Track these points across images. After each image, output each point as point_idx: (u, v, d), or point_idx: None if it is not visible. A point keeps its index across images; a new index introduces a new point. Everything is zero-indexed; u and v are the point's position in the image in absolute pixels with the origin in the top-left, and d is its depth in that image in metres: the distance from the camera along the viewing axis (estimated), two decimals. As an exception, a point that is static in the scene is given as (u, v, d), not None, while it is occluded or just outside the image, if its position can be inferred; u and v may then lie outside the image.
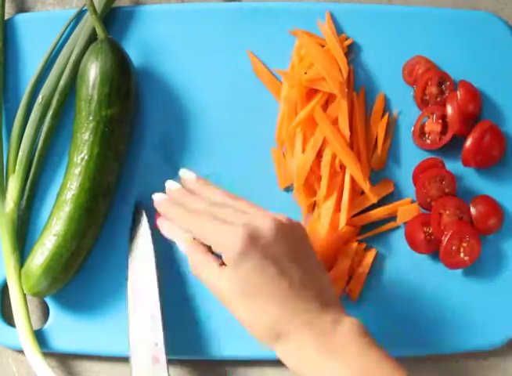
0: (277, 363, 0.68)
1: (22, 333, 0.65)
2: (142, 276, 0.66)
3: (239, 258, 0.55)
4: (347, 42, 0.70)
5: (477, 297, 0.68)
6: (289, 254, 0.56)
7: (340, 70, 0.68)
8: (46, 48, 0.70)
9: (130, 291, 0.66)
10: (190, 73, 0.71)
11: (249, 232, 0.55)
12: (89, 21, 0.69)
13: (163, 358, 0.64)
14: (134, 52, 0.70)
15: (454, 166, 0.69)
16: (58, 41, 0.71)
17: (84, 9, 0.71)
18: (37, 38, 0.71)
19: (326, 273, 0.60)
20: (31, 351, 0.65)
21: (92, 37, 0.69)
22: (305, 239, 0.59)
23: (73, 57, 0.69)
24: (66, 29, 0.71)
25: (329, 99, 0.68)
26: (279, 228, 0.57)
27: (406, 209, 0.68)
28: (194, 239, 0.60)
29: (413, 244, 0.68)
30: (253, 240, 0.55)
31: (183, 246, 0.61)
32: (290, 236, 0.57)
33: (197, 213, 0.59)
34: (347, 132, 0.67)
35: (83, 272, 0.67)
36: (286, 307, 0.55)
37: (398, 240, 0.68)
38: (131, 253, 0.67)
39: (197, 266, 0.59)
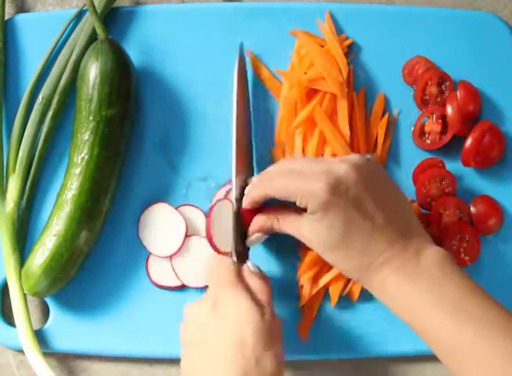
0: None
1: (22, 333, 0.65)
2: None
3: (324, 208, 0.57)
4: (347, 42, 0.70)
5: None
6: (369, 195, 0.58)
7: (340, 70, 0.68)
8: (46, 48, 0.70)
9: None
10: (190, 73, 0.71)
11: (329, 180, 0.57)
12: (89, 21, 0.69)
13: None
14: (134, 52, 0.70)
15: (454, 166, 0.69)
16: (58, 41, 0.71)
17: (84, 9, 0.71)
18: (37, 38, 0.71)
19: (408, 203, 0.61)
20: (31, 351, 0.65)
21: (92, 38, 0.69)
22: (383, 174, 0.60)
23: (73, 57, 0.69)
24: (66, 29, 0.71)
25: (329, 99, 0.68)
26: (356, 171, 0.58)
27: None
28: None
29: (413, 244, 0.68)
30: (333, 188, 0.57)
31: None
32: (367, 175, 0.59)
33: (278, 175, 0.61)
34: (347, 132, 0.67)
35: (83, 273, 0.67)
36: (371, 249, 0.57)
37: (398, 240, 0.68)
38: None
39: (286, 220, 0.61)
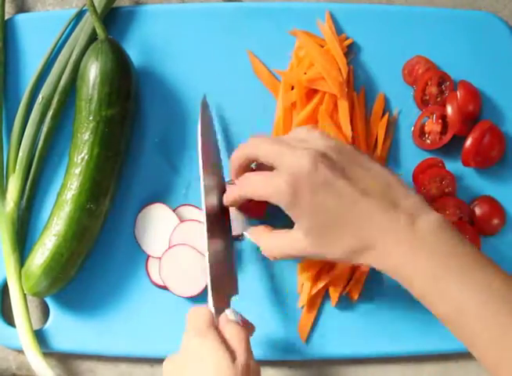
0: (278, 363, 0.68)
1: (22, 333, 0.65)
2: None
3: (296, 203, 0.57)
4: (347, 42, 0.70)
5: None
6: (339, 176, 0.57)
7: (339, 70, 0.68)
8: (46, 48, 0.70)
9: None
10: (190, 73, 0.71)
11: (287, 178, 0.57)
12: (89, 21, 0.69)
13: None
14: (134, 52, 0.70)
15: (454, 166, 0.69)
16: (58, 41, 0.71)
17: (84, 9, 0.71)
18: (37, 38, 0.71)
19: (390, 170, 0.60)
20: (31, 351, 0.65)
21: (92, 37, 0.69)
22: (357, 154, 0.59)
23: (73, 57, 0.69)
24: (66, 29, 0.71)
25: (329, 100, 0.68)
26: (320, 158, 0.57)
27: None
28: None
29: (413, 244, 0.68)
30: (294, 184, 0.57)
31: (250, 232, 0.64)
32: (337, 159, 0.58)
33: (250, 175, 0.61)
34: (348, 132, 0.67)
35: (83, 273, 0.67)
36: (358, 224, 0.56)
37: (398, 240, 0.68)
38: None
39: (271, 242, 0.61)
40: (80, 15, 0.71)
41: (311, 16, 0.71)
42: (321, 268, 0.67)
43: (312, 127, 0.64)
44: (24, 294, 0.66)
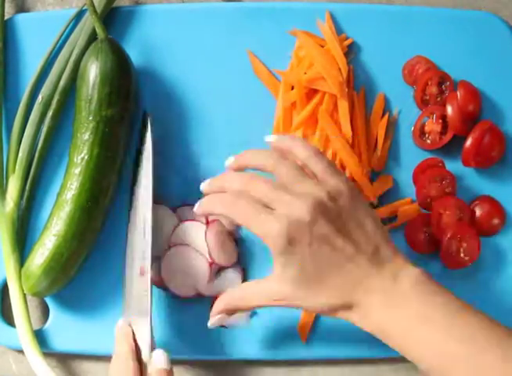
0: (278, 363, 0.68)
1: (22, 333, 0.65)
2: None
3: (288, 251, 0.56)
4: (346, 42, 0.70)
5: (477, 297, 0.68)
6: (335, 230, 0.57)
7: (339, 69, 0.68)
8: (46, 48, 0.70)
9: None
10: (190, 73, 0.71)
11: (286, 225, 0.56)
12: (89, 21, 0.69)
13: (148, 268, 0.64)
14: (134, 52, 0.70)
15: (454, 166, 0.69)
16: (58, 41, 0.71)
17: (84, 8, 0.71)
18: (37, 38, 0.71)
19: (381, 228, 0.59)
20: (31, 351, 0.65)
21: (92, 38, 0.69)
22: (353, 205, 0.59)
23: (73, 57, 0.69)
24: (66, 29, 0.71)
25: (329, 100, 0.68)
26: (319, 208, 0.57)
27: (406, 209, 0.68)
28: None
29: (413, 244, 0.68)
30: (291, 233, 0.56)
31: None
32: (334, 210, 0.58)
33: (238, 199, 0.59)
34: (349, 132, 0.67)
35: (83, 272, 0.67)
36: (346, 281, 0.57)
37: (398, 240, 0.68)
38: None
39: (248, 291, 0.61)
40: (80, 15, 0.71)
41: (311, 16, 0.71)
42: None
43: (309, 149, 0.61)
44: (24, 294, 0.66)
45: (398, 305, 0.56)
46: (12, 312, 0.66)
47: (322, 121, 0.67)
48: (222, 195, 0.61)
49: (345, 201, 0.59)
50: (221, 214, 0.60)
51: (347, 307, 0.57)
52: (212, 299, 0.65)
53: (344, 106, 0.67)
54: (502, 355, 0.53)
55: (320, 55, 0.68)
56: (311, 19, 0.71)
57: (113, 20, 0.71)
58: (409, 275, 0.57)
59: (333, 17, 0.71)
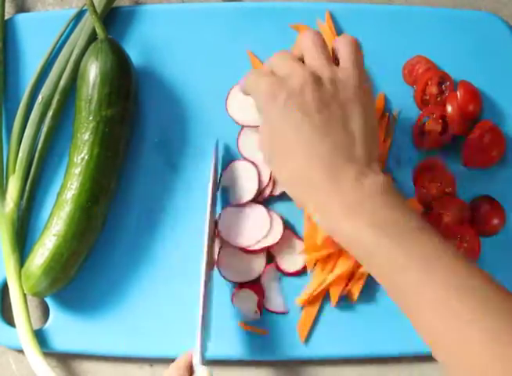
0: (278, 363, 0.68)
1: (22, 333, 0.65)
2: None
3: (266, 102, 0.56)
4: (347, 42, 0.70)
5: (477, 297, 0.68)
6: (319, 104, 0.55)
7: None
8: (46, 48, 0.70)
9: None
10: (190, 73, 0.71)
11: (274, 80, 0.56)
12: (89, 21, 0.69)
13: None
14: (134, 52, 0.70)
15: (454, 166, 0.69)
16: (58, 41, 0.71)
17: (84, 8, 0.71)
18: (37, 38, 0.71)
19: (372, 135, 0.57)
20: (31, 351, 0.65)
21: (92, 38, 0.69)
22: (354, 99, 0.56)
23: (73, 57, 0.69)
24: (66, 29, 0.71)
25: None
26: (315, 81, 0.56)
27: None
28: None
29: (413, 244, 0.68)
30: (279, 86, 0.56)
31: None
32: (329, 91, 0.56)
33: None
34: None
35: (83, 272, 0.67)
36: (311, 155, 0.54)
37: (398, 240, 0.68)
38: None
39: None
40: (80, 15, 0.71)
41: (311, 16, 0.71)
42: (323, 267, 0.67)
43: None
44: (24, 294, 0.66)
45: (353, 209, 0.53)
46: (12, 312, 0.66)
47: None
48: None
49: (347, 92, 0.57)
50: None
51: (304, 190, 0.55)
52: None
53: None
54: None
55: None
56: (311, 19, 0.71)
57: (113, 20, 0.71)
58: (373, 180, 0.54)
59: (332, 17, 0.71)
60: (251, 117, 0.68)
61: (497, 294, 0.50)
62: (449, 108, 0.68)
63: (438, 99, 0.69)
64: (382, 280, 0.54)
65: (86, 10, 0.69)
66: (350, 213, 0.53)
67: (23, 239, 0.69)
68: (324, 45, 0.59)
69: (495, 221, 0.68)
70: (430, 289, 0.50)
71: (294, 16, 0.71)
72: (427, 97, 0.69)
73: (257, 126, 0.67)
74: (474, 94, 0.68)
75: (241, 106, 0.68)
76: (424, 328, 0.52)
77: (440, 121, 0.69)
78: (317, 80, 0.56)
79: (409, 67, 0.70)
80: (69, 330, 0.68)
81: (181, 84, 0.71)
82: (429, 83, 0.69)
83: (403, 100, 0.70)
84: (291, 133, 0.55)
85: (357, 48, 0.59)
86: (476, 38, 0.71)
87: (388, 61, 0.71)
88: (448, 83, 0.69)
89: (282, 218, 0.67)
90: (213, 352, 0.67)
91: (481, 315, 0.49)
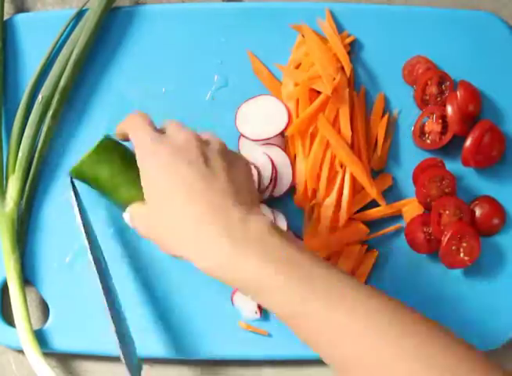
0: (277, 363, 0.68)
1: (22, 333, 0.65)
2: None
3: (149, 153, 0.57)
4: (348, 39, 0.70)
5: (476, 297, 0.68)
6: (202, 158, 0.57)
7: (337, 68, 0.68)
8: (46, 48, 0.70)
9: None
10: (190, 72, 0.71)
11: (158, 136, 0.58)
12: (89, 21, 0.69)
13: None
14: (134, 52, 0.70)
15: (454, 166, 0.69)
16: (58, 41, 0.71)
17: (84, 8, 0.71)
18: (37, 38, 0.71)
19: (250, 181, 0.59)
20: (31, 351, 0.65)
21: (92, 37, 0.69)
22: (226, 155, 0.59)
23: (73, 57, 0.69)
24: (66, 29, 0.71)
25: (331, 99, 0.68)
26: (195, 139, 0.58)
27: (411, 208, 0.68)
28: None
29: (413, 244, 0.68)
30: (161, 140, 0.58)
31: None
32: (206, 150, 0.58)
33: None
34: (348, 133, 0.67)
35: (83, 272, 0.67)
36: (201, 201, 0.55)
37: (399, 240, 0.68)
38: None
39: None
40: (80, 15, 0.71)
41: (311, 16, 0.71)
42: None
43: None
44: (24, 294, 0.66)
45: (241, 246, 0.53)
46: (12, 312, 0.66)
47: (322, 122, 0.67)
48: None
49: (220, 148, 0.59)
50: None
51: (189, 240, 0.55)
52: None
53: (344, 106, 0.67)
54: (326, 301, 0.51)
55: (320, 51, 0.68)
56: (311, 19, 0.71)
57: (113, 20, 0.71)
58: (261, 222, 0.55)
59: (333, 17, 0.71)
60: (259, 129, 0.69)
61: (406, 316, 0.52)
62: (449, 108, 0.68)
63: (438, 99, 0.69)
64: (281, 313, 0.53)
65: (86, 10, 0.69)
66: (241, 251, 0.53)
67: (23, 239, 0.69)
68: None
69: (495, 221, 0.68)
70: (336, 314, 0.51)
71: (294, 16, 0.71)
72: (427, 97, 0.69)
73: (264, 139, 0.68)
74: (474, 94, 0.68)
75: (248, 119, 0.69)
76: (333, 355, 0.52)
77: (440, 121, 0.69)
78: (197, 137, 0.59)
79: (409, 67, 0.70)
80: (69, 330, 0.68)
81: (181, 84, 0.71)
82: (429, 83, 0.69)
83: (403, 100, 0.70)
84: (180, 184, 0.56)
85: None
86: (476, 38, 0.71)
87: (388, 61, 0.71)
88: (448, 83, 0.69)
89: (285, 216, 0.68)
90: (213, 352, 0.67)
91: (393, 336, 0.50)
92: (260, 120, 0.68)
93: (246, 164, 0.61)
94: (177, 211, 0.55)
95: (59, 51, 0.70)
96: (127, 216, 0.61)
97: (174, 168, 0.56)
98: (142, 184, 0.57)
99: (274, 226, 0.55)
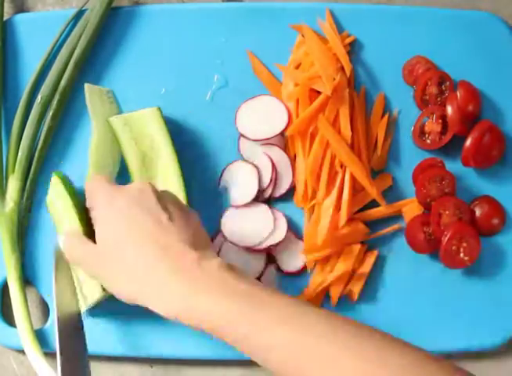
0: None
1: (22, 333, 0.65)
2: None
3: (107, 200, 0.59)
4: (348, 39, 0.70)
5: (476, 297, 0.68)
6: (159, 206, 0.58)
7: (337, 68, 0.68)
8: (46, 48, 0.70)
9: None
10: (190, 72, 0.71)
11: (113, 187, 0.60)
12: (89, 21, 0.69)
13: None
14: (134, 52, 0.70)
15: (454, 166, 0.69)
16: (58, 41, 0.71)
17: (84, 8, 0.71)
18: (37, 38, 0.71)
19: (202, 229, 0.61)
20: (32, 351, 0.65)
21: (92, 37, 0.69)
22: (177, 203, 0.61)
23: (73, 57, 0.69)
24: (65, 29, 0.71)
25: (331, 99, 0.68)
26: (149, 188, 0.60)
27: (411, 208, 0.68)
28: None
29: (413, 244, 0.68)
30: (118, 189, 0.60)
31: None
32: (158, 199, 0.59)
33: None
34: (348, 133, 0.67)
35: (83, 273, 0.67)
36: (158, 247, 0.56)
37: (399, 240, 0.68)
38: None
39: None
40: (80, 15, 0.71)
41: (311, 16, 0.71)
42: (323, 267, 0.67)
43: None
44: (24, 294, 0.66)
45: (198, 289, 0.54)
46: (12, 312, 0.66)
47: (322, 122, 0.67)
48: None
49: (175, 201, 0.61)
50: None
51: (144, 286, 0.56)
52: None
53: (344, 106, 0.67)
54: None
55: (320, 51, 0.68)
56: (311, 19, 0.71)
57: (113, 20, 0.71)
58: (216, 262, 0.56)
59: (333, 17, 0.71)
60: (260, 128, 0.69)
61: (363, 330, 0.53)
62: (449, 108, 0.68)
63: (438, 99, 0.69)
64: (244, 346, 0.54)
65: (86, 10, 0.69)
66: (197, 289, 0.54)
67: (23, 239, 0.69)
68: None
69: (495, 221, 0.68)
70: (305, 341, 0.52)
71: (294, 16, 0.71)
72: (427, 97, 0.69)
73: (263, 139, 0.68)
74: (474, 94, 0.68)
75: (248, 119, 0.69)
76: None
77: (440, 121, 0.69)
78: (153, 187, 0.60)
79: (409, 67, 0.70)
80: (69, 330, 0.68)
81: (181, 83, 0.71)
82: (429, 83, 0.69)
83: (403, 100, 0.70)
84: (137, 229, 0.57)
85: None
86: (476, 38, 0.71)
87: (388, 61, 0.71)
88: (448, 83, 0.69)
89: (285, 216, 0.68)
90: (213, 352, 0.67)
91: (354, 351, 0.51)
92: (260, 120, 0.68)
93: (197, 216, 0.62)
94: (132, 255, 0.57)
95: (59, 51, 0.70)
96: (62, 240, 0.63)
97: (131, 213, 0.58)
98: (96, 228, 0.59)
99: (229, 264, 0.56)
